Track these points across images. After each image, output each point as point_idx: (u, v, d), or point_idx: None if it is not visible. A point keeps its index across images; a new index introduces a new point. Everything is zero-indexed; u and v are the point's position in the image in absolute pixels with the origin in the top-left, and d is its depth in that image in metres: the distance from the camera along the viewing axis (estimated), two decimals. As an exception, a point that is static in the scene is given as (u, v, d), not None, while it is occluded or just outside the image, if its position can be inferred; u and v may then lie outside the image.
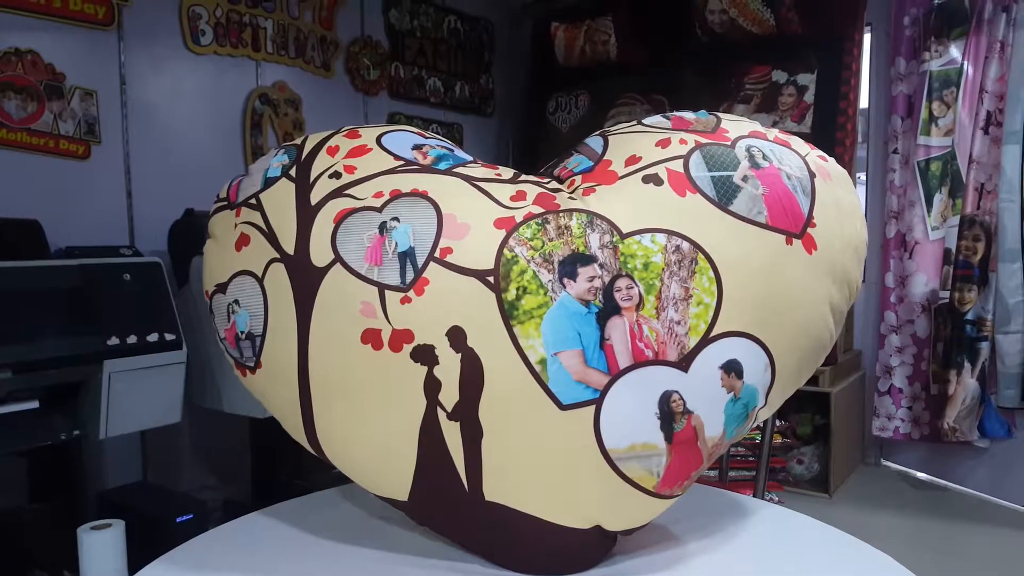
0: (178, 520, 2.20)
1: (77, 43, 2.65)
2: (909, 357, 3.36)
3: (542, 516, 0.82)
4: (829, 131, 3.23)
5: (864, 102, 3.48)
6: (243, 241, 0.91)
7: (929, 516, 2.95)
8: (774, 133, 0.94)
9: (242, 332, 0.90)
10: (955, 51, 3.15)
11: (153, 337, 2.30)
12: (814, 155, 0.93)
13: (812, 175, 0.90)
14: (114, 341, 2.21)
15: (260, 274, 0.88)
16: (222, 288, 0.92)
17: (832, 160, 0.95)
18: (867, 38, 3.49)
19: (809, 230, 0.86)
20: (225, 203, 0.96)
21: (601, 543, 0.87)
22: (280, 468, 2.77)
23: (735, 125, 0.93)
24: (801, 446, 3.38)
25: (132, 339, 2.25)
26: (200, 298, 2.56)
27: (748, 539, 0.96)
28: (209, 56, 3.04)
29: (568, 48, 4.03)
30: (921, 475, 3.40)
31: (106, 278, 2.29)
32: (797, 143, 0.94)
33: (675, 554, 0.90)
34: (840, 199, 0.91)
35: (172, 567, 0.90)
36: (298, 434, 0.89)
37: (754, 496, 2.32)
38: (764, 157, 0.88)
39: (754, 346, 0.82)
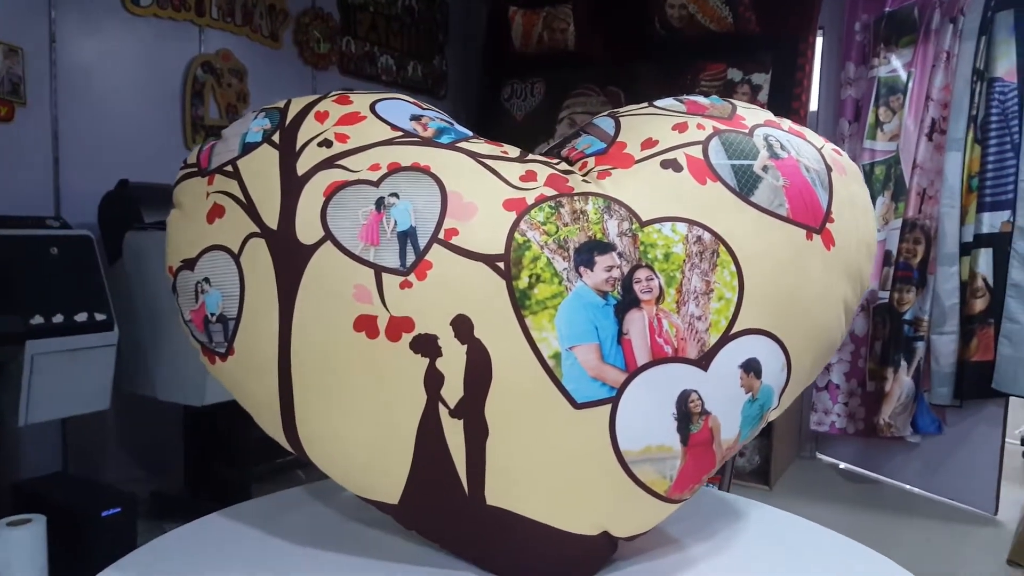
0: (104, 514, 2.05)
1: (2, -5, 2.45)
2: (847, 354, 3.43)
3: (547, 522, 0.76)
4: (781, 130, 3.26)
5: (813, 104, 3.53)
6: (216, 212, 0.82)
7: (863, 508, 3.02)
8: (788, 123, 0.90)
9: (212, 314, 0.81)
10: (903, 59, 3.21)
11: (81, 317, 2.15)
12: (828, 148, 0.89)
13: (829, 168, 0.86)
14: (38, 320, 2.05)
15: (236, 250, 0.80)
16: (190, 264, 0.83)
17: (845, 154, 0.92)
18: (819, 42, 3.53)
19: (828, 226, 0.83)
20: (195, 169, 0.86)
21: (605, 549, 0.82)
22: (216, 459, 2.64)
23: (750, 112, 0.89)
24: (742, 441, 3.42)
25: (58, 318, 2.09)
26: (134, 276, 2.42)
27: (749, 542, 0.92)
28: (148, 19, 2.85)
29: (526, 34, 3.95)
30: (855, 468, 3.48)
31: (30, 251, 2.12)
32: (811, 135, 0.90)
33: (679, 559, 0.86)
34: (855, 195, 0.88)
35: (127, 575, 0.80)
36: (274, 429, 0.80)
37: (719, 488, 2.32)
38: (782, 147, 0.84)
39: (773, 345, 0.78)
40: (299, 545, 0.87)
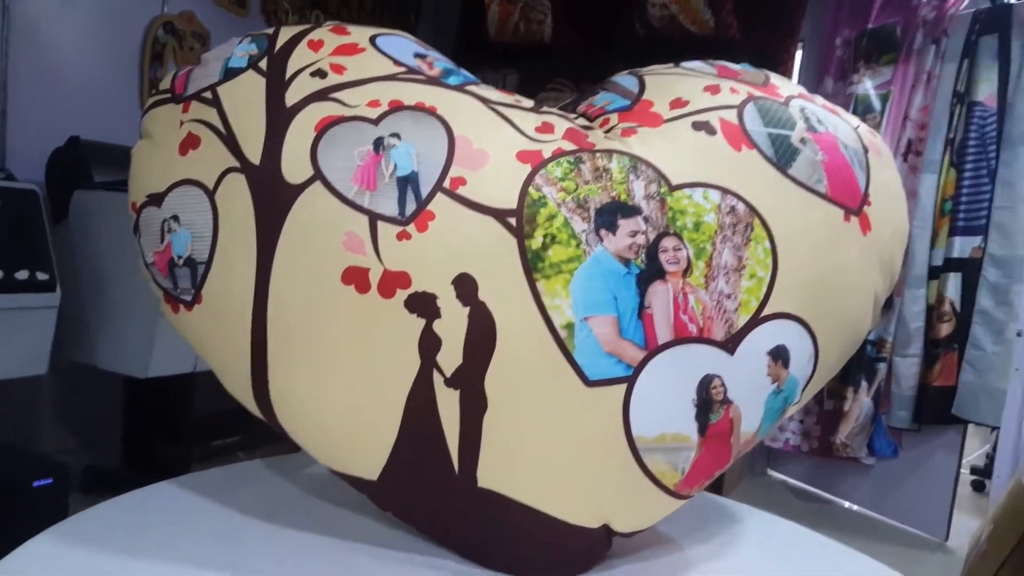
0: (35, 484, 1.91)
1: (-45, -71, 2.28)
2: (808, 372, 3.41)
3: (544, 510, 0.68)
4: (760, 140, 3.24)
5: (791, 117, 3.52)
6: (191, 143, 0.72)
7: (814, 528, 2.99)
8: (820, 99, 0.84)
9: (179, 256, 0.71)
10: (883, 77, 3.21)
11: (23, 275, 1.99)
12: (864, 128, 0.83)
13: (865, 149, 0.80)
14: (-25, 274, 1.90)
15: (211, 186, 0.70)
16: (156, 200, 0.73)
17: (879, 136, 0.85)
18: (798, 55, 3.53)
19: (865, 208, 0.76)
20: (168, 95, 0.76)
21: (601, 545, 0.74)
22: (155, 435, 2.50)
23: (783, 83, 0.82)
24: (698, 451, 3.38)
25: (-3, 274, 1.94)
26: (80, 237, 2.27)
27: (750, 547, 0.85)
28: (112, -30, 2.70)
29: (501, 23, 3.86)
30: (806, 487, 3.47)
31: (-30, 201, 1.97)
32: (845, 113, 0.84)
33: (677, 559, 0.79)
34: (890, 179, 0.82)
35: (62, 542, 0.70)
36: (242, 390, 0.71)
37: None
38: (819, 121, 0.77)
39: (803, 332, 0.71)
40: (256, 520, 0.77)
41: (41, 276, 2.03)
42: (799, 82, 3.21)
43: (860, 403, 3.14)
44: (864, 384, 3.14)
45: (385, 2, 3.95)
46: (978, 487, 3.69)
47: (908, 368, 3.02)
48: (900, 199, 0.82)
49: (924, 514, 2.99)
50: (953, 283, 2.89)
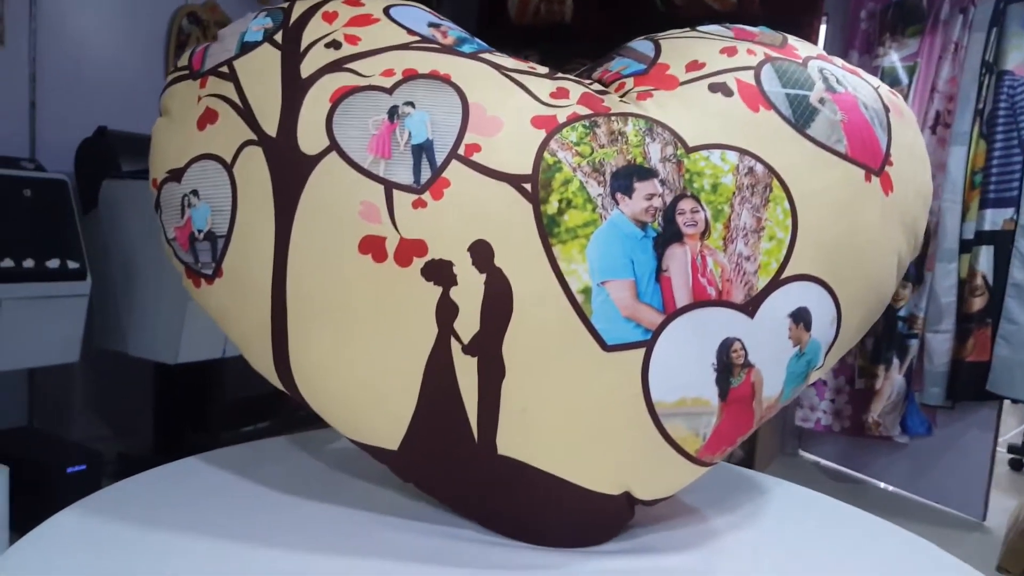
0: (69, 471, 1.95)
1: (-18, -76, 2.31)
2: (837, 350, 3.37)
3: (566, 477, 0.68)
4: (785, 116, 3.19)
5: (817, 92, 3.46)
6: (208, 118, 0.72)
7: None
8: (840, 61, 0.82)
9: (199, 231, 0.72)
10: (909, 49, 3.15)
11: (54, 263, 2.03)
12: (885, 88, 0.82)
13: (887, 109, 0.78)
14: (7, 264, 1.94)
15: (229, 159, 0.70)
16: (176, 175, 0.73)
17: (901, 97, 0.84)
18: (822, 29, 3.47)
19: (887, 168, 0.75)
20: (186, 72, 0.77)
21: (623, 514, 0.74)
22: (185, 422, 2.54)
23: (801, 44, 0.81)
24: (727, 432, 3.36)
25: (29, 263, 1.98)
26: (110, 226, 2.31)
27: (775, 517, 0.85)
28: (136, -38, 2.73)
29: (522, 5, 3.85)
30: (839, 467, 3.44)
31: (2, 192, 2.00)
32: (865, 74, 0.82)
33: (701, 530, 0.78)
34: (913, 140, 0.80)
35: (90, 514, 0.71)
36: (263, 363, 0.71)
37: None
38: (838, 81, 0.76)
39: (825, 294, 0.70)
40: (280, 493, 0.79)
41: (72, 265, 2.07)
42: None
43: (892, 381, 3.10)
44: (896, 361, 3.10)
45: (405, -12, 3.94)
46: (1015, 465, 3.63)
47: (940, 344, 2.97)
48: (923, 159, 0.80)
49: (960, 493, 2.95)
50: (985, 256, 2.83)
